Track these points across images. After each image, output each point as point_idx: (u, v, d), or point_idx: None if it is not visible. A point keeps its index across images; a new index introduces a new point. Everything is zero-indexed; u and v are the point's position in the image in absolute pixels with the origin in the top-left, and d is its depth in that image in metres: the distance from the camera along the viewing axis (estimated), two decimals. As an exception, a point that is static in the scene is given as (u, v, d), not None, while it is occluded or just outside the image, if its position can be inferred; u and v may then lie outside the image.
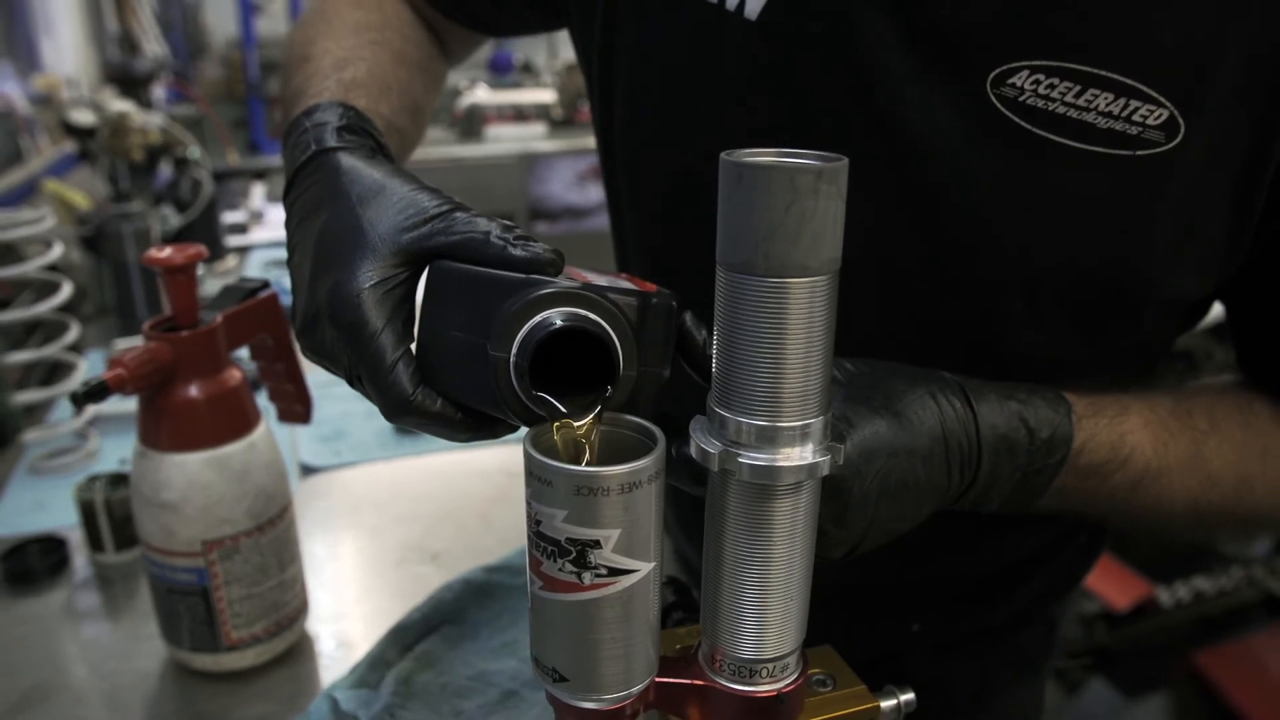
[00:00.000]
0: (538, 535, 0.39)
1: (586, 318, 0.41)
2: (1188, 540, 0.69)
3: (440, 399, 0.46)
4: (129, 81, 2.81)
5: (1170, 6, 0.52)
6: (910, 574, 0.76)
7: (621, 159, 0.71)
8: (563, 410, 0.41)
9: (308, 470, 1.12)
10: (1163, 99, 0.52)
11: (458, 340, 0.44)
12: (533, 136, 3.90)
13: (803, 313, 0.38)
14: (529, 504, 0.39)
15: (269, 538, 0.74)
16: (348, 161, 0.54)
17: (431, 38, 0.83)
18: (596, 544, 0.38)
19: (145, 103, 2.68)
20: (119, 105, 2.00)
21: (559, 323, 0.41)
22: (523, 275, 0.43)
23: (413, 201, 0.49)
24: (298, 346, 0.54)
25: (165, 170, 2.02)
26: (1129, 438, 0.58)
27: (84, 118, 2.01)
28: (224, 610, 0.74)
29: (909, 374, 0.53)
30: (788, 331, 0.38)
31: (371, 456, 1.15)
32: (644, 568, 0.40)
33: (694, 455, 0.41)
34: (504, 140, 3.85)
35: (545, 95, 4.05)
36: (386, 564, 0.95)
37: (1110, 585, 2.37)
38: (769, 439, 0.39)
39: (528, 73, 4.55)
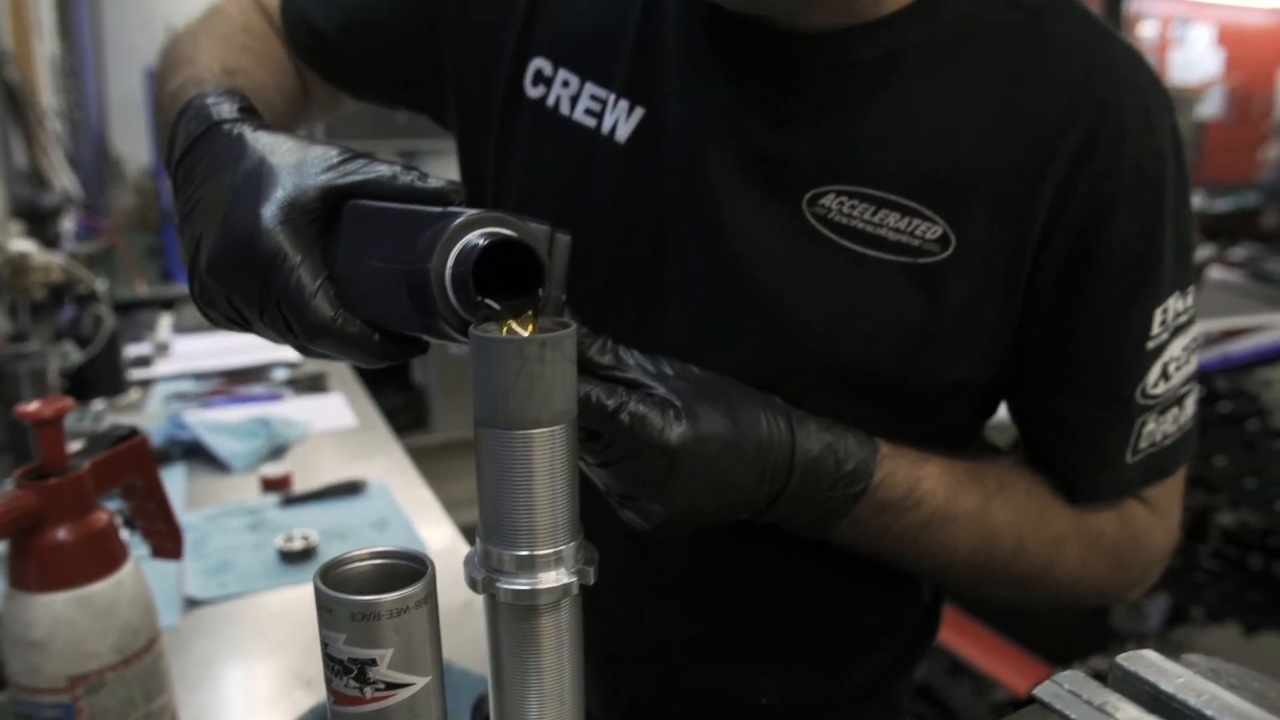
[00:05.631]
0: (326, 656, 0.45)
1: (519, 239, 0.47)
2: (1011, 601, 0.77)
3: (358, 322, 0.51)
4: (35, 216, 2.86)
5: (937, 150, 0.65)
6: (759, 639, 0.83)
7: None
8: (501, 310, 0.46)
9: (193, 603, 1.15)
10: (937, 218, 0.65)
11: (377, 269, 0.49)
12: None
13: (544, 459, 0.45)
14: (320, 630, 0.46)
15: (134, 671, 0.78)
16: (250, 129, 0.59)
17: (299, 84, 0.89)
18: (373, 662, 0.44)
19: (50, 238, 2.72)
20: (19, 245, 2.04)
21: (503, 231, 0.46)
22: (439, 209, 0.49)
23: (319, 151, 0.55)
24: (193, 293, 0.57)
25: (69, 307, 2.06)
26: (924, 483, 0.68)
27: (-17, 258, 2.05)
28: (91, 744, 0.77)
29: (747, 390, 0.63)
30: (533, 476, 0.45)
31: (257, 587, 1.18)
32: (420, 682, 0.46)
33: (465, 582, 0.48)
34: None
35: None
36: (263, 692, 0.99)
37: (1010, 671, 2.45)
38: (527, 566, 0.46)
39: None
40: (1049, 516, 0.73)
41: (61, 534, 0.76)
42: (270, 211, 0.52)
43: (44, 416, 0.76)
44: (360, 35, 0.84)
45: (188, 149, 0.60)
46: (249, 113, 0.62)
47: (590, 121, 0.74)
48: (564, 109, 0.75)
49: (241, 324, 0.56)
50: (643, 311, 0.72)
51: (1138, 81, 0.67)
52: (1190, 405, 0.75)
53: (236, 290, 0.54)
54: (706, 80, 0.70)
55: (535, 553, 0.46)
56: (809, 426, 0.63)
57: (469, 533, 0.64)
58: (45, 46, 3.57)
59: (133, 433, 0.84)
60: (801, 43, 0.67)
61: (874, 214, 0.66)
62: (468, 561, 0.48)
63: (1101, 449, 0.73)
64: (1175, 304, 0.71)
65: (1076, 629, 2.70)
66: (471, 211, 0.48)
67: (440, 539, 1.33)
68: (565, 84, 0.75)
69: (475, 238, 0.47)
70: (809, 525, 0.66)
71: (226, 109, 0.61)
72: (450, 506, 1.43)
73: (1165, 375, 0.72)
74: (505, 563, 0.46)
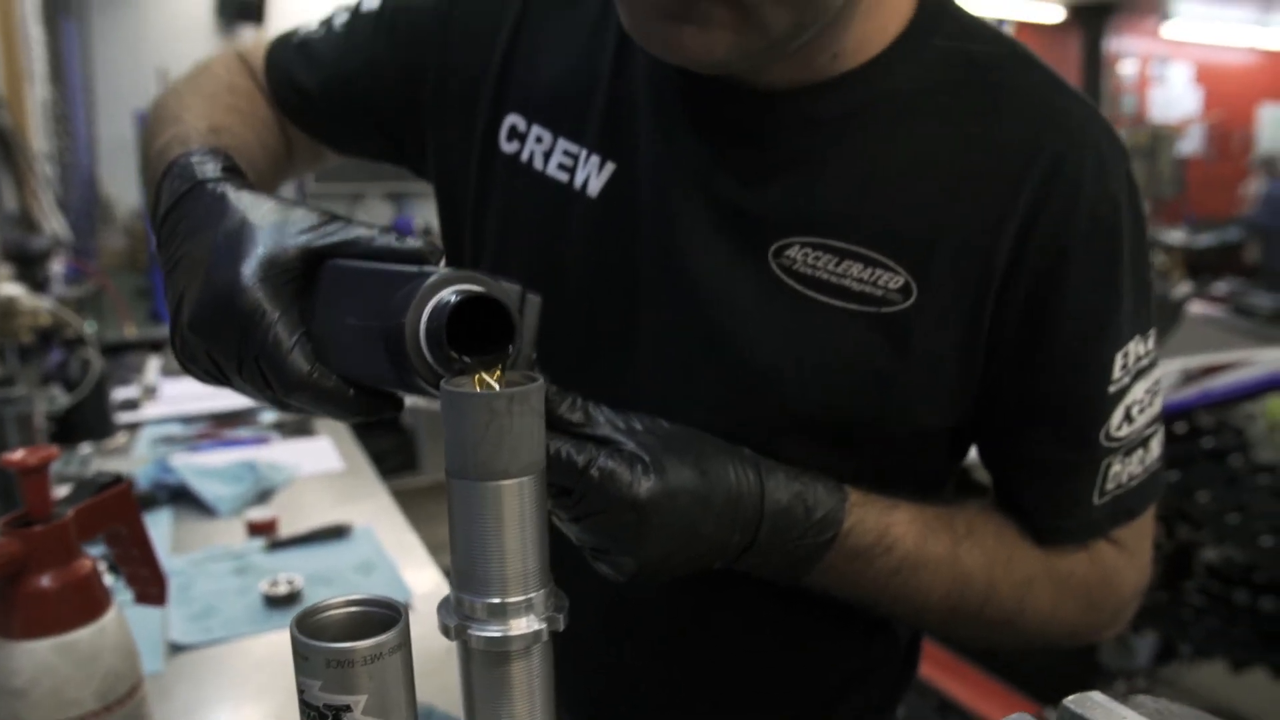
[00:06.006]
0: (302, 702, 0.46)
1: (490, 295, 0.49)
2: (987, 641, 0.78)
3: (334, 377, 0.53)
4: (24, 260, 2.88)
5: (897, 202, 0.68)
6: (738, 684, 0.83)
7: None
8: (474, 364, 0.48)
9: (177, 648, 1.16)
10: (899, 268, 0.67)
11: (353, 327, 0.51)
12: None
13: (513, 509, 0.46)
14: (296, 676, 0.47)
15: (117, 717, 0.79)
16: (232, 188, 0.61)
17: (283, 140, 0.90)
18: (347, 708, 0.45)
19: (39, 281, 2.74)
20: (7, 290, 2.06)
21: (475, 288, 0.48)
22: (415, 268, 0.51)
23: (299, 213, 0.57)
24: (174, 348, 0.59)
25: (57, 350, 2.07)
26: (894, 529, 0.70)
27: (-30, 304, 2.06)
28: (72, 791, 0.78)
29: (716, 443, 0.64)
30: (503, 525, 0.46)
31: (242, 632, 1.19)
32: (394, 728, 0.47)
33: (439, 629, 0.49)
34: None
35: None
36: (246, 735, 0.99)
37: (998, 710, 2.45)
38: (498, 613, 0.47)
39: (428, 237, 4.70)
40: (1019, 558, 0.75)
41: (45, 581, 0.77)
42: (250, 269, 0.54)
43: (29, 465, 0.77)
44: (344, 93, 0.86)
45: (172, 206, 0.63)
46: (232, 172, 0.64)
47: (563, 176, 0.76)
48: (537, 164, 0.77)
49: (221, 379, 0.58)
50: (615, 362, 0.74)
51: (1090, 131, 0.69)
52: (1156, 447, 0.77)
53: (216, 345, 0.56)
54: (675, 136, 0.72)
55: (506, 600, 0.47)
56: (778, 476, 0.65)
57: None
58: (37, 91, 3.61)
59: (117, 480, 0.85)
60: (765, 100, 0.70)
61: (837, 265, 0.68)
62: (441, 608, 0.49)
63: (1069, 491, 0.75)
64: (1136, 348, 0.72)
65: (1065, 667, 2.70)
66: (445, 270, 0.50)
67: (426, 583, 1.33)
68: (538, 139, 0.77)
69: (448, 294, 0.49)
70: (780, 573, 0.67)
71: (210, 168, 0.63)
72: (439, 549, 1.43)
73: (1129, 418, 0.73)
74: (477, 610, 0.48)
